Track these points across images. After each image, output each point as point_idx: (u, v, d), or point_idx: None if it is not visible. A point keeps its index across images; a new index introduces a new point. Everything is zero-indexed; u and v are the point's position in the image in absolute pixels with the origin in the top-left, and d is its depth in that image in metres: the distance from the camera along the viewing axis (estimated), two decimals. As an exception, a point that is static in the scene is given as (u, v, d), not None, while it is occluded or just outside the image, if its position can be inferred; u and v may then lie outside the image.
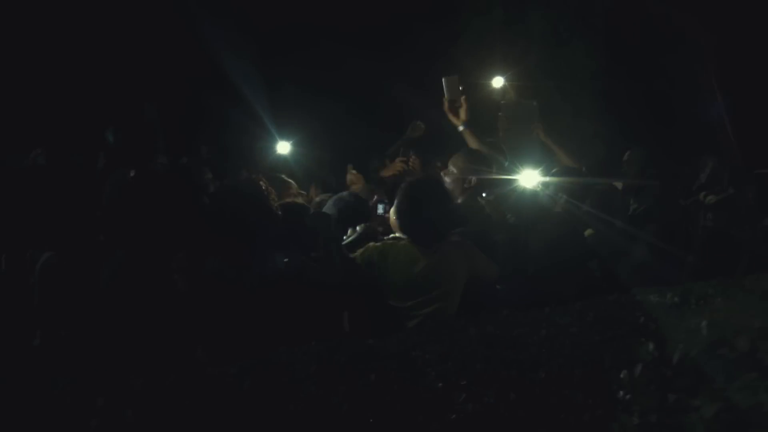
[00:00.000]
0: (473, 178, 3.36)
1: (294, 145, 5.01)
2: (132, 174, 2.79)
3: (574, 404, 1.47)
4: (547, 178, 3.61)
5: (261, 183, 2.88)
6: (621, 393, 1.35)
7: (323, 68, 7.68)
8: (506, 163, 3.83)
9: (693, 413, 1.22)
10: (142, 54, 6.89)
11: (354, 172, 4.65)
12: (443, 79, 4.19)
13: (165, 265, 2.59)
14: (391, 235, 3.06)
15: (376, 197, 3.58)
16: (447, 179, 3.50)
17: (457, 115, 4.10)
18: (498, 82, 6.04)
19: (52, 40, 6.59)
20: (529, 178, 3.71)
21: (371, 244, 2.97)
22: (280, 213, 2.81)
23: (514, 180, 3.51)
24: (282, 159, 4.92)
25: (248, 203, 2.72)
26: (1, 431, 1.26)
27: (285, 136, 5.04)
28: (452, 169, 3.51)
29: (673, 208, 3.91)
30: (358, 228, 3.21)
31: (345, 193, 3.50)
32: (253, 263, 2.64)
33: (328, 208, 3.26)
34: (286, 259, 2.64)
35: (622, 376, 1.38)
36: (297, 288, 2.63)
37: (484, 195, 3.31)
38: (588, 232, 3.41)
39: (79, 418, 1.21)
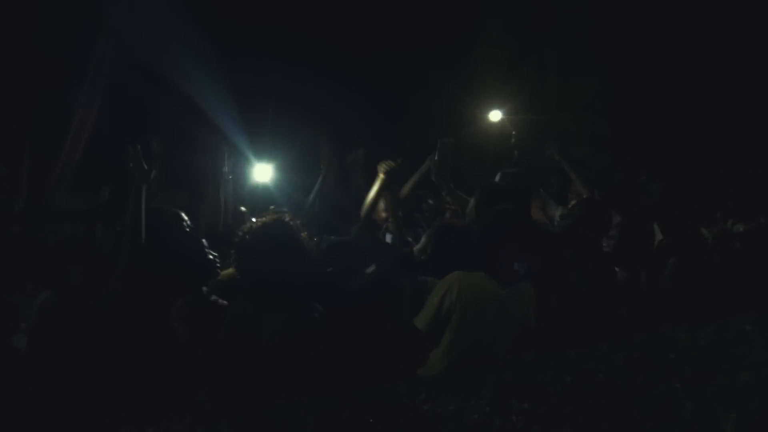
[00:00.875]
0: None
1: (276, 169, 4.35)
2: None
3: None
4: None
5: (291, 222, 2.70)
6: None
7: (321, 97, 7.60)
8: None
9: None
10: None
11: None
12: (439, 141, 3.93)
13: (163, 314, 2.47)
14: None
15: (385, 226, 3.43)
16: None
17: (444, 180, 3.83)
18: (496, 116, 6.02)
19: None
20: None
21: (452, 274, 2.73)
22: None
23: None
24: (261, 187, 4.27)
25: (280, 247, 2.54)
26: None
27: (263, 159, 4.34)
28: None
29: (698, 238, 3.73)
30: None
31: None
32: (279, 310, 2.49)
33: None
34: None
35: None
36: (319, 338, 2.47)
37: None
38: None
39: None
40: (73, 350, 2.48)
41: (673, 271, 3.36)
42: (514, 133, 4.86)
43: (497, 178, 3.69)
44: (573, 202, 4.17)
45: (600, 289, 3.06)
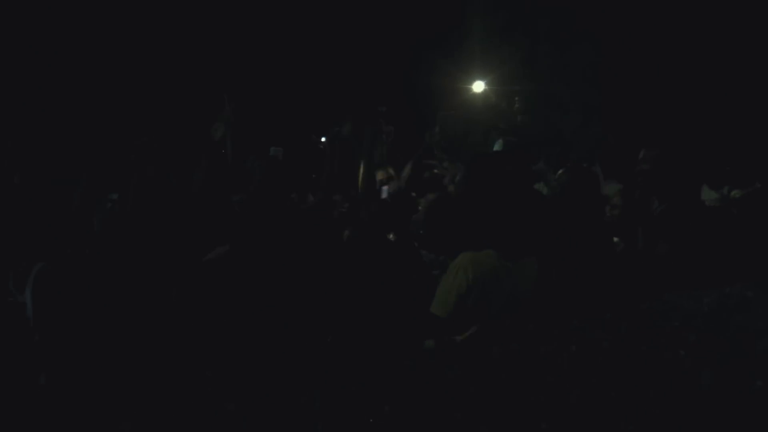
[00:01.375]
0: None
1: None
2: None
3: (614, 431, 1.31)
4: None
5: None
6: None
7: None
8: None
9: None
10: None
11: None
12: (438, 115, 4.10)
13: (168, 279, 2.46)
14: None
15: (380, 179, 3.47)
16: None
17: (445, 152, 3.99)
18: (479, 86, 6.16)
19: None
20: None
21: (462, 256, 2.65)
22: None
23: None
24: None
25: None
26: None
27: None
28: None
29: (698, 206, 3.71)
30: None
31: None
32: None
33: None
34: None
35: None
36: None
37: None
38: None
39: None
40: (72, 318, 2.46)
41: (668, 237, 3.35)
42: (517, 99, 4.89)
43: (497, 147, 3.71)
44: (560, 171, 4.14)
45: (598, 256, 3.05)
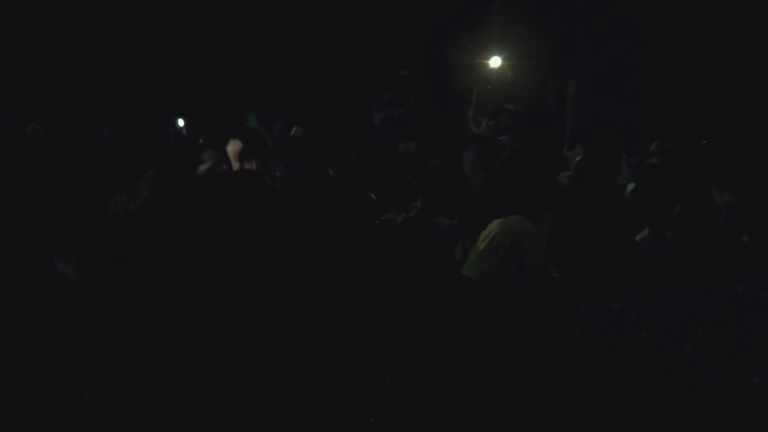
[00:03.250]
0: None
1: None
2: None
3: (612, 419, 1.31)
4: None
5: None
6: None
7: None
8: None
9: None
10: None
11: None
12: (476, 88, 4.74)
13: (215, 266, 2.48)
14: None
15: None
16: None
17: (478, 125, 4.48)
18: (495, 62, 6.26)
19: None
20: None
21: (494, 223, 2.63)
22: None
23: None
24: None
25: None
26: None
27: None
28: None
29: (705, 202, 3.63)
30: None
31: None
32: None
33: None
34: None
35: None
36: None
37: None
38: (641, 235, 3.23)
39: (58, 415, 1.09)
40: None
41: (678, 230, 3.31)
42: (571, 83, 4.99)
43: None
44: (579, 158, 4.12)
45: (612, 244, 3.03)
